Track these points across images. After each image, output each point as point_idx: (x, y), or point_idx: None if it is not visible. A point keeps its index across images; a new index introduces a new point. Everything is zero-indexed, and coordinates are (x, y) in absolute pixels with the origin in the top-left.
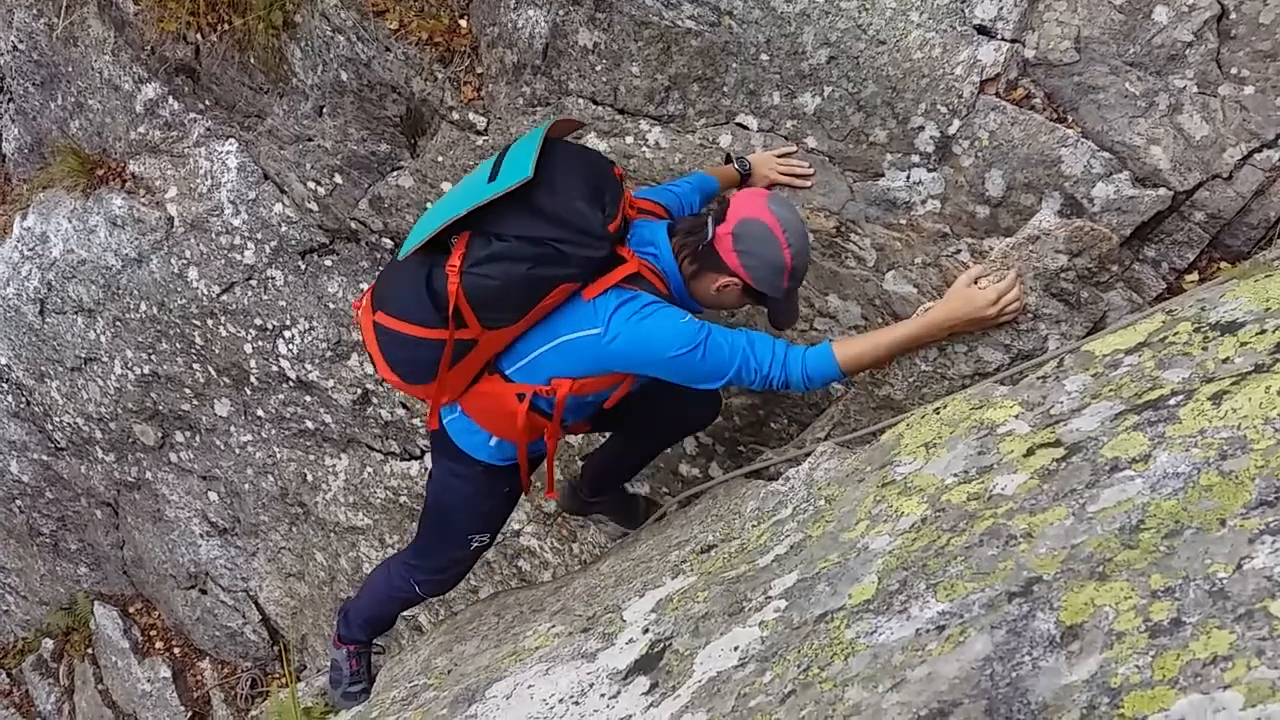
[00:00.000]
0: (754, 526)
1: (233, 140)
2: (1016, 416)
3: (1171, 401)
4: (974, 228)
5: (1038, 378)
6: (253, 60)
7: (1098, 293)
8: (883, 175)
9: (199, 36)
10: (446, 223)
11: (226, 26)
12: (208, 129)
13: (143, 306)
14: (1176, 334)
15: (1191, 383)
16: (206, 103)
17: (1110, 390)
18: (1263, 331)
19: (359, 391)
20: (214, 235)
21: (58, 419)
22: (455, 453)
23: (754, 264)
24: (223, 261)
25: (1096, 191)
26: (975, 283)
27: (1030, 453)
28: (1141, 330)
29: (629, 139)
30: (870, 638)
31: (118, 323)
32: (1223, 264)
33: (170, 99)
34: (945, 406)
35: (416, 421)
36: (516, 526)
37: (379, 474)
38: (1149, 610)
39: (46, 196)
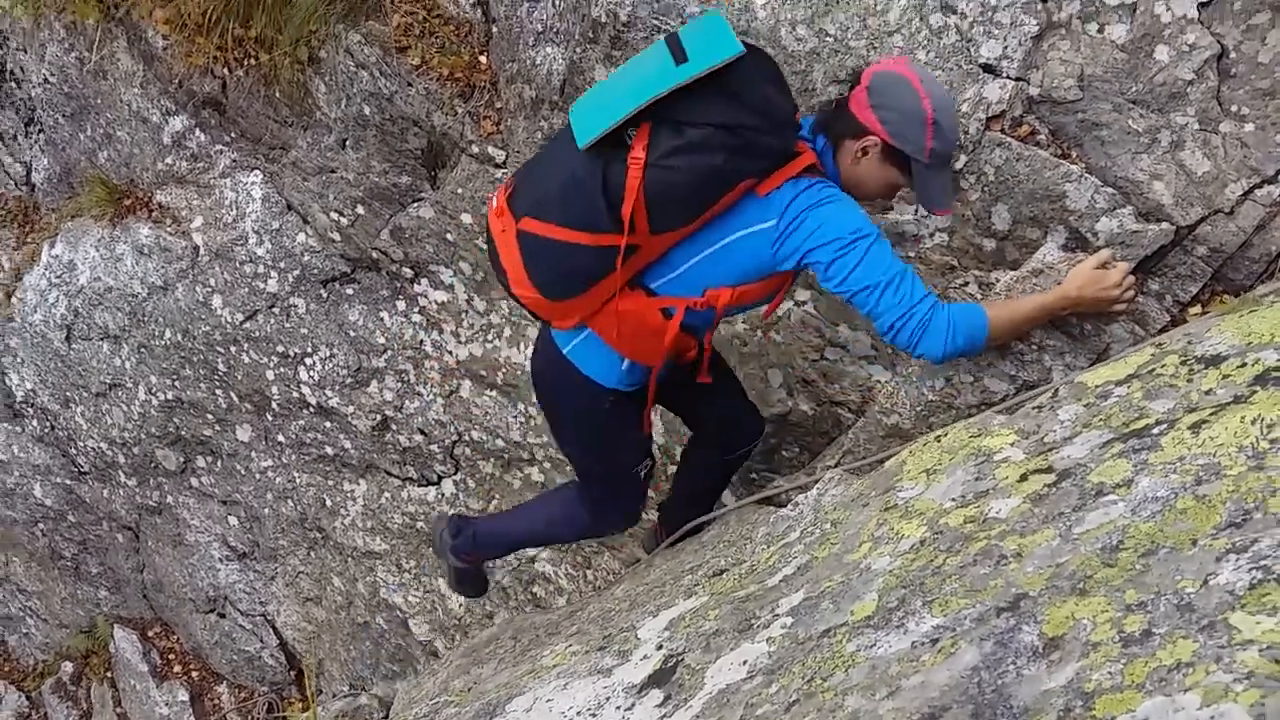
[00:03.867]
0: (764, 549)
1: (257, 172)
2: (1012, 444)
3: (1155, 430)
4: (981, 260)
5: (1034, 407)
6: (278, 94)
7: (1100, 325)
8: (892, 209)
9: (226, 71)
10: (638, 107)
11: (253, 62)
12: (233, 160)
13: (167, 333)
14: (1164, 366)
15: (1175, 413)
16: (232, 135)
17: (1100, 420)
18: (1243, 365)
19: (378, 418)
20: (238, 264)
21: (81, 443)
22: (580, 385)
23: (890, 116)
24: (246, 290)
25: (1101, 226)
26: (1103, 265)
27: (1023, 478)
28: (1132, 363)
29: None
30: (869, 650)
31: (142, 349)
32: (1225, 296)
33: (197, 131)
34: (946, 434)
35: (434, 448)
36: (532, 553)
37: (396, 499)
38: (1123, 623)
39: (75, 225)
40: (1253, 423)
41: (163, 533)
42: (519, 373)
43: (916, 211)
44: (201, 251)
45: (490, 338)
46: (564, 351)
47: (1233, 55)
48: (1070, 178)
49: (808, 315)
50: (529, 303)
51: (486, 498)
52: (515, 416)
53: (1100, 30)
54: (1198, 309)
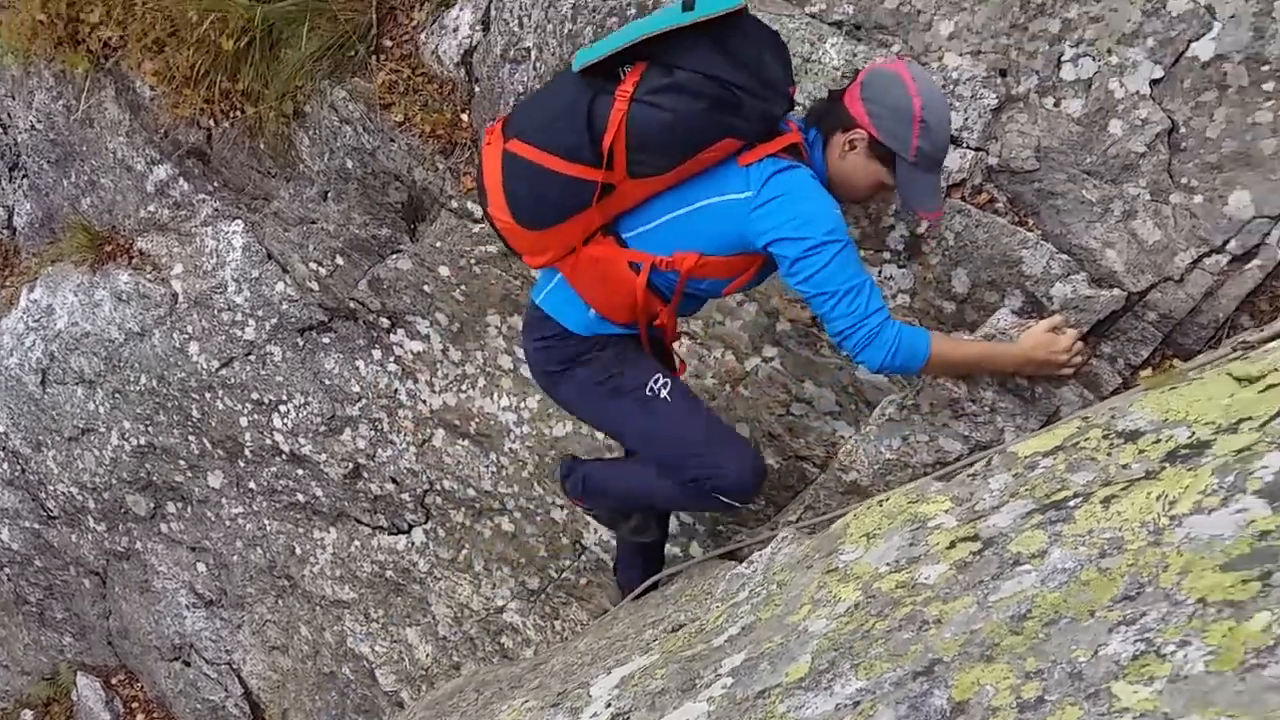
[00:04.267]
0: (716, 607)
1: (239, 221)
2: (946, 511)
3: (1071, 503)
4: (941, 321)
5: (969, 475)
6: (263, 146)
7: (1051, 388)
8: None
9: (211, 122)
10: (629, 43)
11: (239, 114)
12: (215, 209)
13: (143, 379)
14: (1088, 439)
15: (1092, 486)
16: (215, 184)
17: (1026, 490)
18: (1158, 441)
19: (350, 466)
20: (216, 311)
21: (51, 487)
22: (555, 333)
23: (879, 110)
24: (223, 337)
25: (1055, 291)
26: (1056, 330)
27: (952, 545)
28: (1059, 434)
29: None
30: (798, 712)
31: (117, 394)
32: (1175, 360)
33: (180, 180)
34: (888, 499)
35: (405, 497)
36: (500, 603)
37: (366, 548)
38: (1021, 689)
39: (54, 270)
40: (1157, 499)
41: (130, 579)
42: (492, 422)
43: (880, 273)
44: (180, 298)
45: (464, 388)
46: (537, 301)
47: (1182, 130)
48: (1027, 244)
49: (774, 371)
50: (503, 228)
51: (457, 547)
52: (487, 466)
53: (1056, 104)
54: (1149, 372)
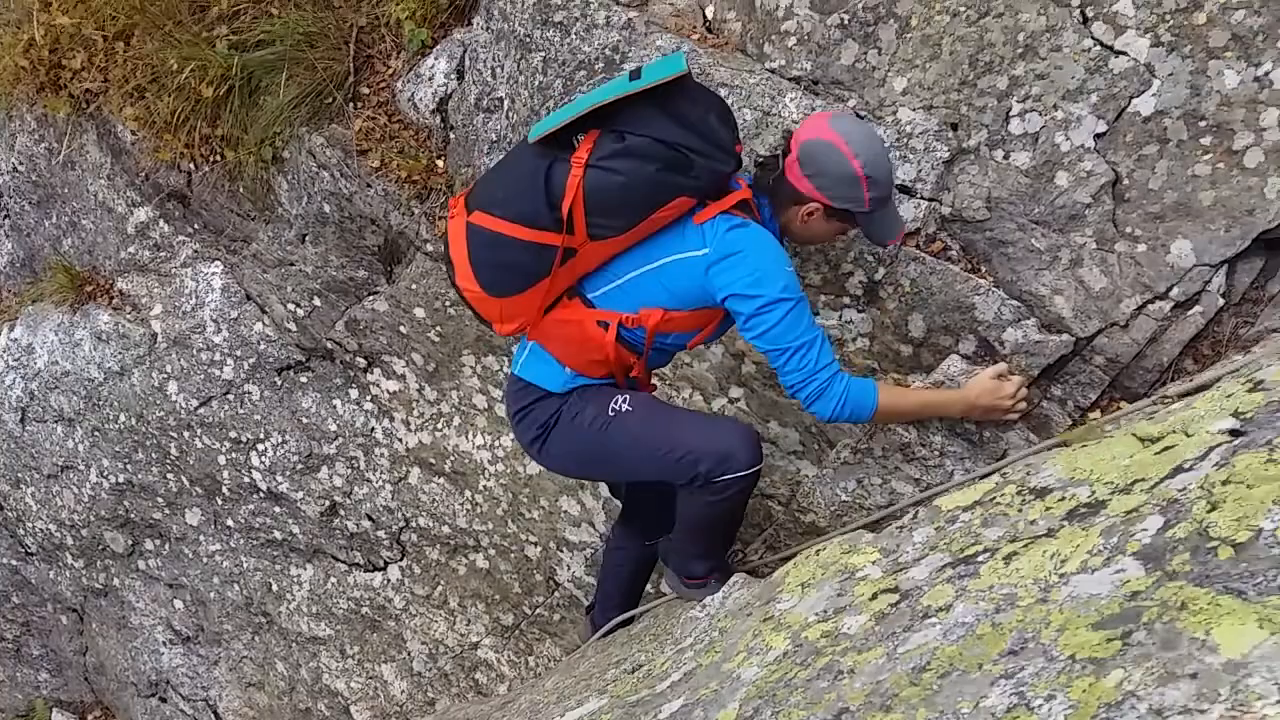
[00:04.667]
0: (666, 652)
1: (218, 262)
2: (873, 562)
3: (979, 558)
4: (899, 365)
5: (898, 527)
6: (242, 190)
7: (998, 433)
8: (818, 314)
9: (192, 166)
10: (581, 113)
11: (218, 158)
12: (195, 251)
13: (122, 417)
14: (1004, 495)
15: (1000, 542)
16: (195, 226)
17: (944, 543)
18: (1063, 499)
19: (327, 503)
20: (195, 351)
21: (30, 524)
22: (536, 399)
23: (825, 183)
24: (202, 376)
25: (1007, 336)
26: (1001, 377)
27: (874, 597)
28: (980, 489)
29: None
30: None
31: (96, 432)
32: (1122, 403)
33: (161, 222)
34: (824, 549)
35: (381, 534)
36: (475, 639)
37: (343, 584)
38: None
39: (35, 310)
40: (1050, 556)
41: (107, 615)
42: (467, 461)
43: (840, 317)
44: (159, 338)
45: (440, 426)
46: (516, 372)
47: (1126, 181)
48: (979, 291)
49: (740, 411)
50: (472, 297)
51: (432, 583)
52: (462, 504)
53: (1006, 157)
54: (1097, 414)
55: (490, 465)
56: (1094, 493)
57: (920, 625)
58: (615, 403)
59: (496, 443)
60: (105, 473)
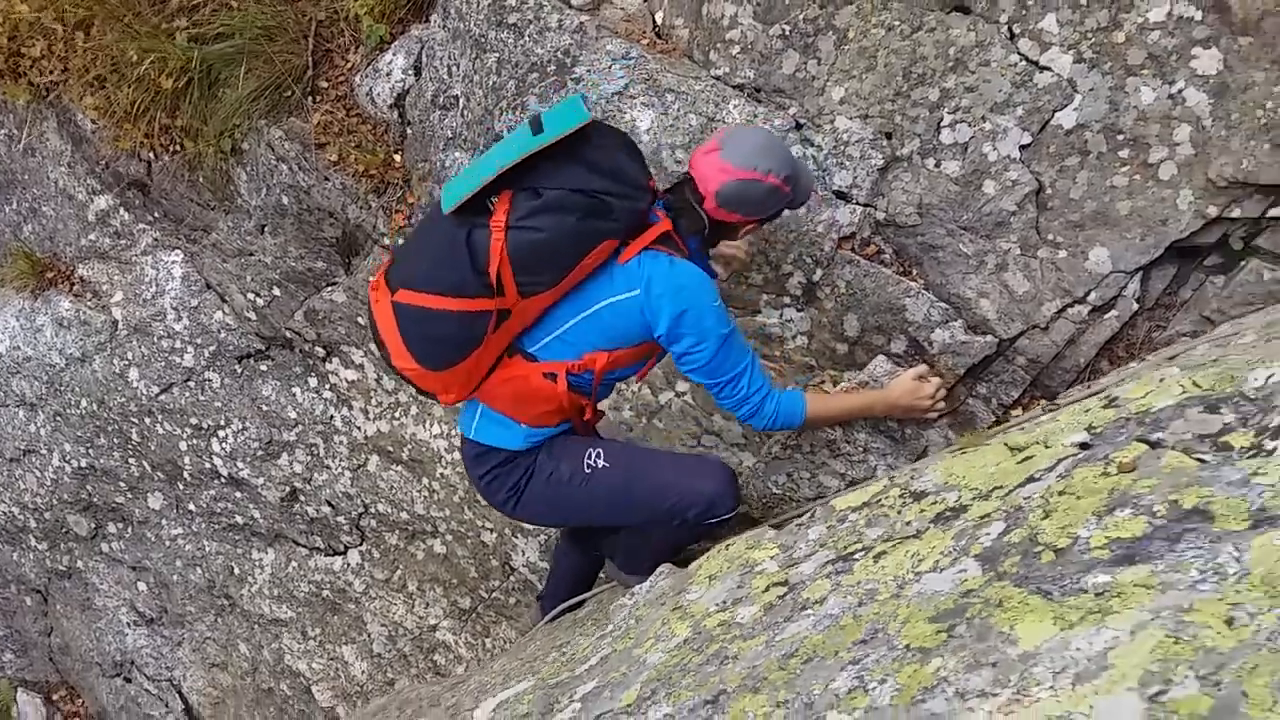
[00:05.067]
0: (590, 637)
1: (178, 251)
2: (772, 557)
3: (856, 555)
4: (835, 361)
5: (797, 525)
6: (201, 180)
7: (919, 431)
8: (760, 312)
9: (151, 155)
10: (496, 174)
11: (178, 149)
12: (155, 239)
13: (83, 403)
14: (889, 497)
15: (877, 541)
16: (155, 215)
17: (833, 541)
18: (935, 502)
19: (287, 489)
20: (156, 339)
21: None
22: (499, 462)
23: (753, 209)
24: (163, 363)
25: (935, 336)
26: (921, 378)
27: (767, 589)
28: (869, 491)
29: None
30: None
31: (58, 417)
32: (1042, 400)
33: (121, 210)
34: (732, 545)
35: (341, 519)
36: (433, 622)
37: (303, 568)
38: (770, 715)
39: None
40: (911, 556)
41: (72, 597)
42: (424, 449)
43: (781, 316)
44: (120, 325)
45: (398, 415)
46: (469, 436)
47: (1049, 191)
48: (910, 293)
49: (686, 405)
50: (411, 375)
51: (391, 568)
52: (420, 491)
53: (937, 165)
54: (1019, 411)
55: (447, 454)
56: (960, 497)
57: (798, 616)
58: (590, 458)
59: (453, 432)
60: (68, 457)
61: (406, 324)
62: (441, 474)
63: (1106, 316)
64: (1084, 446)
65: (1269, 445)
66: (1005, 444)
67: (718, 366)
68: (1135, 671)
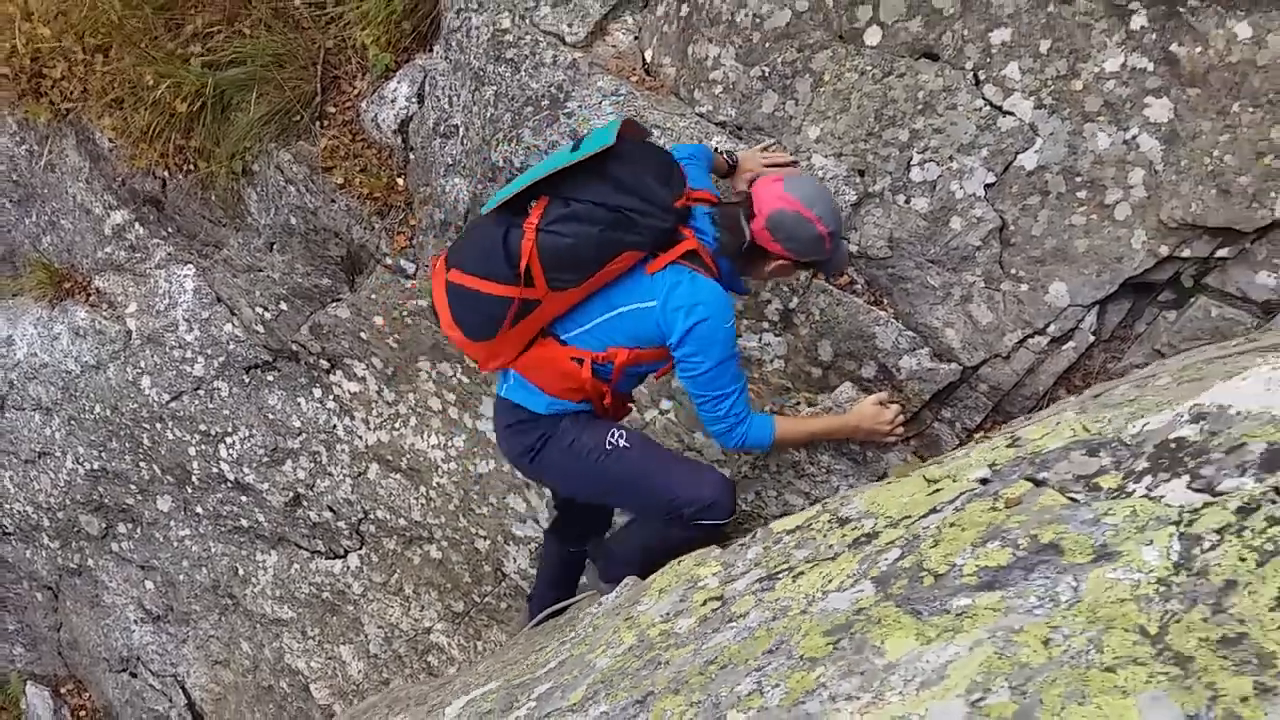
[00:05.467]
0: (554, 643)
1: (191, 265)
2: (714, 574)
3: (781, 575)
4: (810, 385)
5: (740, 545)
6: (214, 198)
7: (879, 453)
8: (740, 337)
9: (166, 174)
10: (528, 184)
11: (192, 168)
12: (169, 254)
13: (97, 409)
14: (819, 521)
15: (801, 562)
16: (169, 230)
17: (766, 561)
18: (856, 528)
19: (291, 494)
20: (168, 349)
21: (8, 506)
22: (523, 419)
23: (796, 246)
24: (174, 372)
25: (903, 363)
26: (881, 404)
27: (704, 603)
28: (803, 516)
29: None
30: None
31: (73, 421)
32: (1002, 426)
33: (136, 225)
34: (683, 562)
35: (341, 524)
36: (428, 624)
37: (305, 570)
38: (684, 714)
39: (15, 304)
40: (823, 576)
41: (81, 593)
42: (422, 459)
43: (760, 340)
44: (134, 335)
45: (397, 425)
46: (501, 395)
47: (1011, 228)
48: (880, 322)
49: (670, 422)
50: (456, 342)
51: (389, 571)
52: (417, 498)
53: (907, 201)
54: (981, 434)
55: (444, 464)
56: (875, 524)
57: (724, 627)
58: (613, 437)
59: (450, 443)
60: (81, 459)
61: (454, 299)
62: (438, 483)
63: (1064, 347)
64: (984, 482)
65: (1130, 488)
66: (924, 476)
67: (709, 382)
68: (964, 681)
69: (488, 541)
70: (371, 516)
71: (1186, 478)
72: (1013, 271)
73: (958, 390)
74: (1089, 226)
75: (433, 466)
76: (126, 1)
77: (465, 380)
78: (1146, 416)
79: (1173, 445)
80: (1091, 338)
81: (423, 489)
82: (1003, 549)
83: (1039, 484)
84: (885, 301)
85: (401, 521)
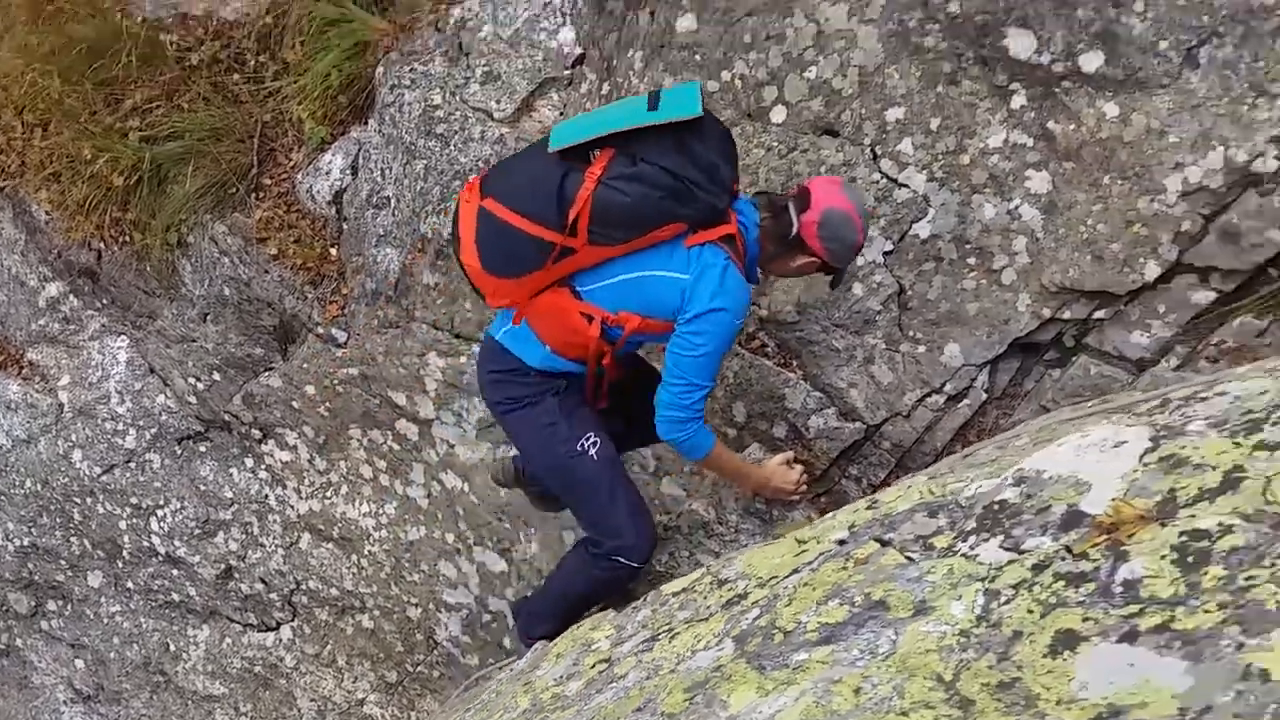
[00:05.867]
0: (461, 711)
1: (124, 336)
2: (607, 637)
3: (660, 636)
4: (727, 443)
5: (632, 607)
6: (149, 270)
7: (785, 512)
8: None
9: (102, 246)
10: (605, 133)
11: (127, 240)
12: (103, 325)
13: (28, 483)
14: (702, 583)
15: (680, 623)
16: (104, 302)
17: (652, 622)
18: (731, 589)
19: (223, 566)
20: (100, 421)
21: None
22: (512, 368)
23: (834, 247)
24: (106, 445)
25: (811, 422)
26: (788, 464)
27: (594, 666)
28: (690, 578)
29: (462, 358)
30: None
31: (2, 497)
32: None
33: (71, 297)
34: (580, 627)
35: (274, 596)
36: (361, 696)
37: (237, 644)
38: None
39: None
40: (695, 636)
41: (9, 675)
42: (353, 527)
43: None
44: (66, 408)
45: (329, 494)
46: (496, 337)
47: (909, 292)
48: (789, 383)
49: None
50: (470, 271)
51: (321, 643)
52: (349, 567)
53: None
54: (886, 489)
55: (375, 531)
56: (747, 585)
57: (606, 688)
58: (588, 440)
59: (380, 510)
60: (10, 535)
61: (484, 229)
62: (370, 551)
63: (960, 405)
64: (841, 543)
65: (959, 547)
66: (795, 538)
67: (690, 367)
68: None
69: (419, 609)
70: (304, 587)
71: (1001, 537)
72: (911, 334)
73: (863, 448)
74: (979, 291)
75: (364, 535)
76: (66, 78)
77: (395, 447)
78: (980, 481)
79: (996, 507)
80: (984, 395)
81: (354, 558)
82: (840, 606)
83: (885, 544)
84: (794, 364)
85: (334, 591)
